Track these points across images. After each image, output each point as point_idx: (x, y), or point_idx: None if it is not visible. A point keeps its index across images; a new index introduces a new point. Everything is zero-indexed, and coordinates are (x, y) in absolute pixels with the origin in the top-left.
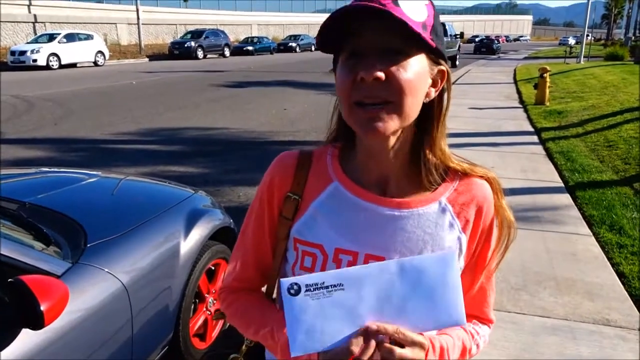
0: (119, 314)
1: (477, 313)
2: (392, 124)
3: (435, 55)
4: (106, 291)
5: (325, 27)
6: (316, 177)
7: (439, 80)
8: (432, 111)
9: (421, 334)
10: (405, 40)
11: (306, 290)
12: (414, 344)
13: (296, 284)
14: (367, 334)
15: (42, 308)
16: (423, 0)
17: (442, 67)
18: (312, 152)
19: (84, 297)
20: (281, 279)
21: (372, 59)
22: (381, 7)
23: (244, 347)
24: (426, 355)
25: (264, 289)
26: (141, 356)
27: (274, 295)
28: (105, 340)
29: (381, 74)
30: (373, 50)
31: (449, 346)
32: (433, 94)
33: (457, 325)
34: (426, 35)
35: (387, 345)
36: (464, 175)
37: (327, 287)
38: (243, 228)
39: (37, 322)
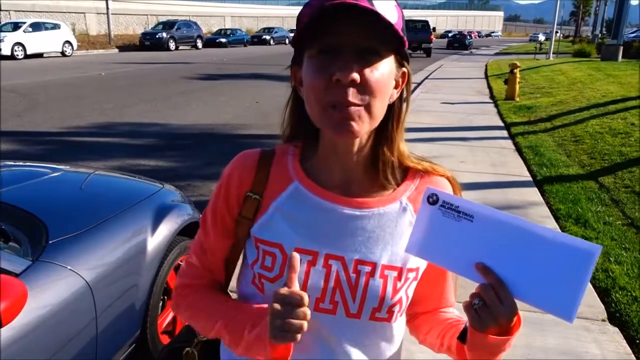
0: (82, 312)
1: (447, 304)
2: (365, 126)
3: (401, 57)
4: (68, 289)
5: (306, 25)
6: (277, 177)
7: (401, 82)
8: (392, 112)
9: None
10: (381, 41)
11: (441, 205)
12: (509, 305)
13: (436, 195)
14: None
15: None
16: (392, 1)
17: (404, 69)
18: (274, 151)
19: (45, 295)
20: (428, 187)
21: (348, 58)
22: (367, 6)
23: (196, 340)
24: (513, 329)
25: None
26: (106, 355)
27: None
28: (68, 340)
29: (357, 76)
30: (348, 49)
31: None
32: (395, 95)
33: (562, 319)
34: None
35: (492, 293)
36: (424, 173)
37: (458, 212)
38: (201, 224)
39: None
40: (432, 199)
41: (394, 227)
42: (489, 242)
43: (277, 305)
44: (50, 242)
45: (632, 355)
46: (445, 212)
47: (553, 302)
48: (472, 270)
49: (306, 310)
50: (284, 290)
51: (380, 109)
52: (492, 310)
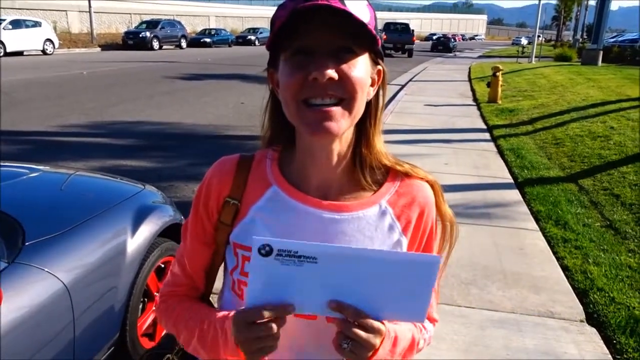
0: (59, 315)
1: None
2: (344, 123)
3: (375, 55)
4: (45, 292)
5: (280, 27)
6: (255, 182)
7: (377, 79)
8: (369, 109)
9: (382, 321)
10: (355, 40)
11: (277, 255)
12: (372, 329)
13: (269, 245)
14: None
15: None
16: (364, 1)
17: (380, 67)
18: (253, 156)
19: (21, 298)
20: (254, 237)
21: (324, 58)
22: (339, 6)
23: (177, 347)
24: (381, 342)
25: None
26: (84, 358)
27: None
28: (45, 343)
29: (334, 74)
30: (323, 49)
31: (400, 336)
32: (372, 92)
33: (416, 322)
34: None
35: (348, 322)
36: (405, 176)
37: (299, 257)
38: (182, 232)
39: None
40: (265, 250)
41: (373, 231)
42: (339, 277)
43: (240, 336)
44: (27, 243)
45: (609, 356)
46: (284, 260)
47: (407, 312)
48: (326, 308)
49: (271, 325)
50: (243, 314)
51: (358, 106)
52: (362, 343)
